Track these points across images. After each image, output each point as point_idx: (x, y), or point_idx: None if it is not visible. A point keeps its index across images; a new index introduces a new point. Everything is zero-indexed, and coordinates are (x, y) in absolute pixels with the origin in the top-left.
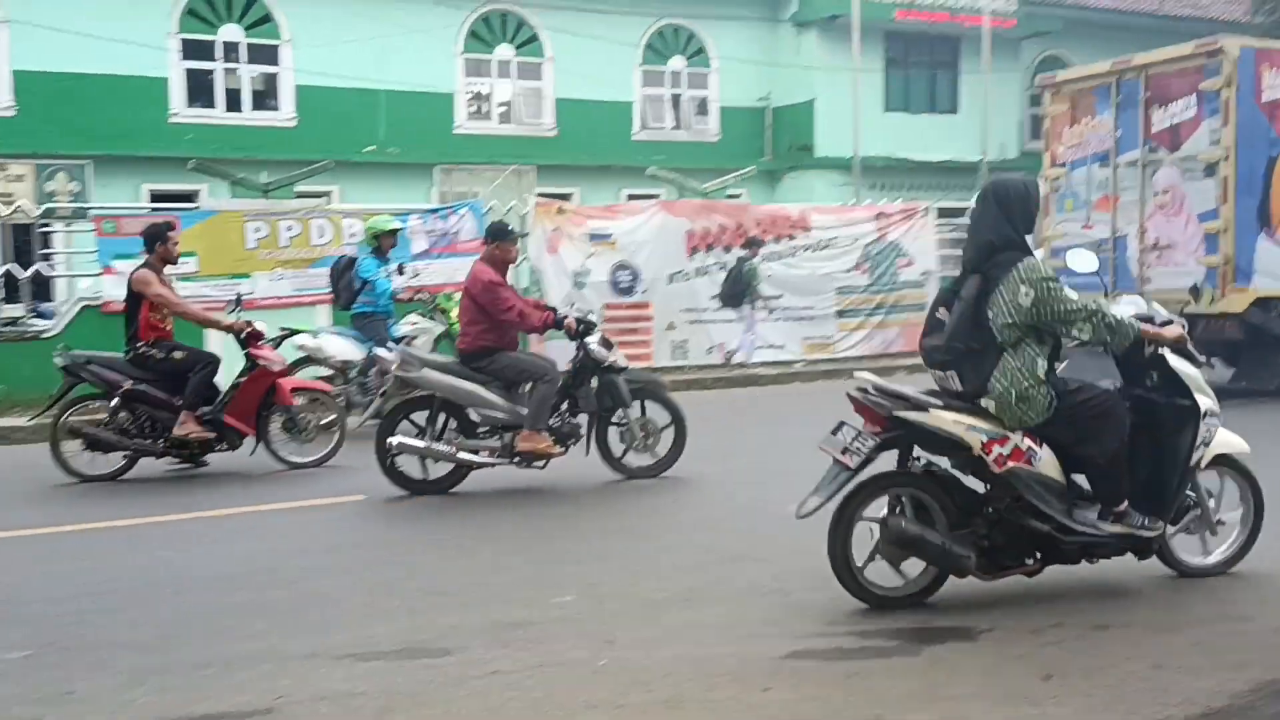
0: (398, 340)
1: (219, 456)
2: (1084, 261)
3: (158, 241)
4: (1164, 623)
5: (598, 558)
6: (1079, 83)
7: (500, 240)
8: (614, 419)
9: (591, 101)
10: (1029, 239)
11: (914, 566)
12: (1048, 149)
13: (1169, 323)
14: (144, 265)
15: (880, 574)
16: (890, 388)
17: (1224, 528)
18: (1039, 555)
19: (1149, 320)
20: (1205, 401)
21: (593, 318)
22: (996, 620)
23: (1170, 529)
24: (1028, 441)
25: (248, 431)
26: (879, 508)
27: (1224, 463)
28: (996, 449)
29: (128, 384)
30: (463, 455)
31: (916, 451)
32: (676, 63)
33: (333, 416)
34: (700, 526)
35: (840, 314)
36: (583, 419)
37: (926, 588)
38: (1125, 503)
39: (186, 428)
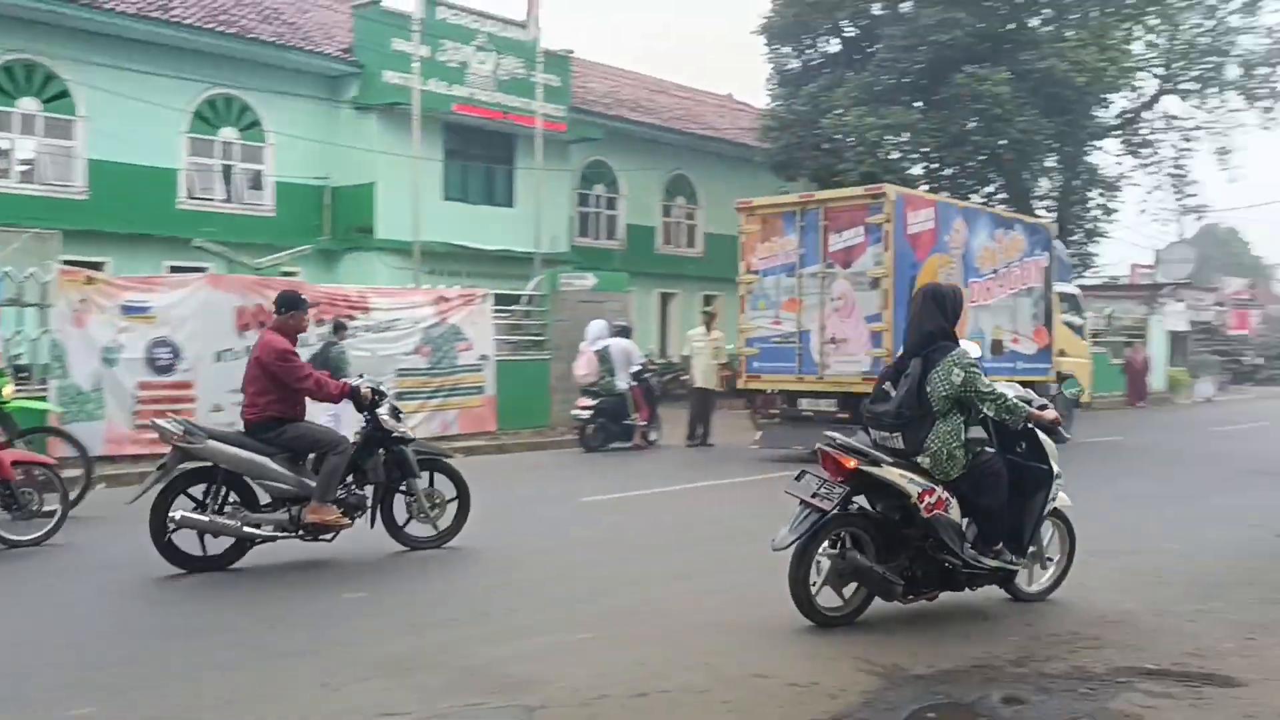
0: None
1: None
2: (973, 349)
3: None
4: (698, 685)
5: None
6: (770, 209)
7: (293, 310)
8: (401, 489)
9: (129, 165)
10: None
11: (847, 591)
12: (743, 259)
13: (1045, 407)
14: None
15: (825, 599)
16: (851, 444)
17: (1050, 563)
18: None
19: (1029, 402)
20: (1057, 468)
21: (385, 388)
22: (550, 696)
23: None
24: (946, 493)
25: None
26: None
27: (1054, 514)
28: (927, 499)
29: None
30: (248, 530)
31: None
32: (228, 133)
33: (56, 494)
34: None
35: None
36: (368, 490)
37: (858, 609)
38: (1000, 543)
39: None
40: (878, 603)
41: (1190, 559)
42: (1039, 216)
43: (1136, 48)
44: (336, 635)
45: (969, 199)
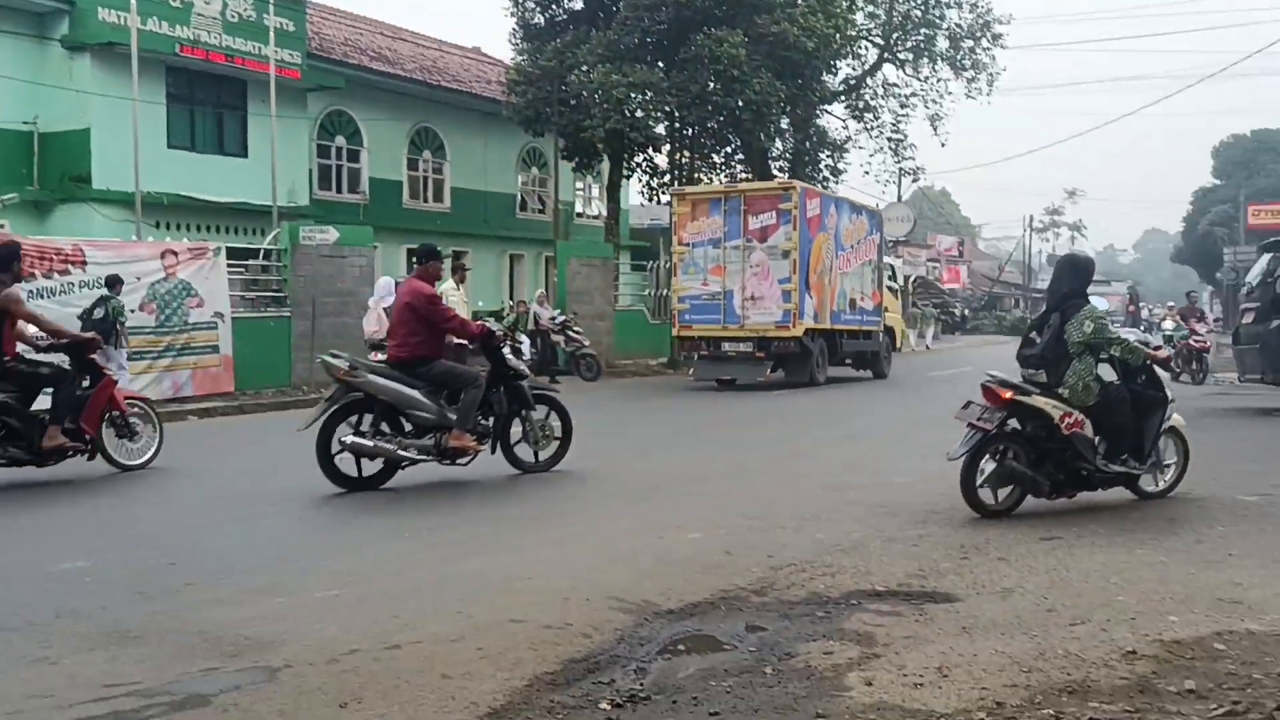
0: None
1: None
2: (1102, 304)
3: (14, 261)
4: (450, 634)
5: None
6: (698, 195)
7: (431, 259)
8: (519, 418)
9: None
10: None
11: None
12: (675, 234)
13: (1159, 348)
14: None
15: (986, 496)
16: (1007, 380)
17: (1167, 469)
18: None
19: (1147, 344)
20: (1171, 395)
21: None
22: (294, 655)
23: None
24: (1082, 416)
25: (94, 436)
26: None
27: (1171, 431)
28: (1067, 420)
29: None
30: (401, 453)
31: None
32: None
33: (153, 423)
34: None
35: (127, 357)
36: (490, 421)
37: (1012, 506)
38: (1125, 455)
39: (56, 440)
40: (624, 547)
41: (913, 490)
42: (777, 176)
43: (859, 18)
44: (56, 606)
45: (711, 158)
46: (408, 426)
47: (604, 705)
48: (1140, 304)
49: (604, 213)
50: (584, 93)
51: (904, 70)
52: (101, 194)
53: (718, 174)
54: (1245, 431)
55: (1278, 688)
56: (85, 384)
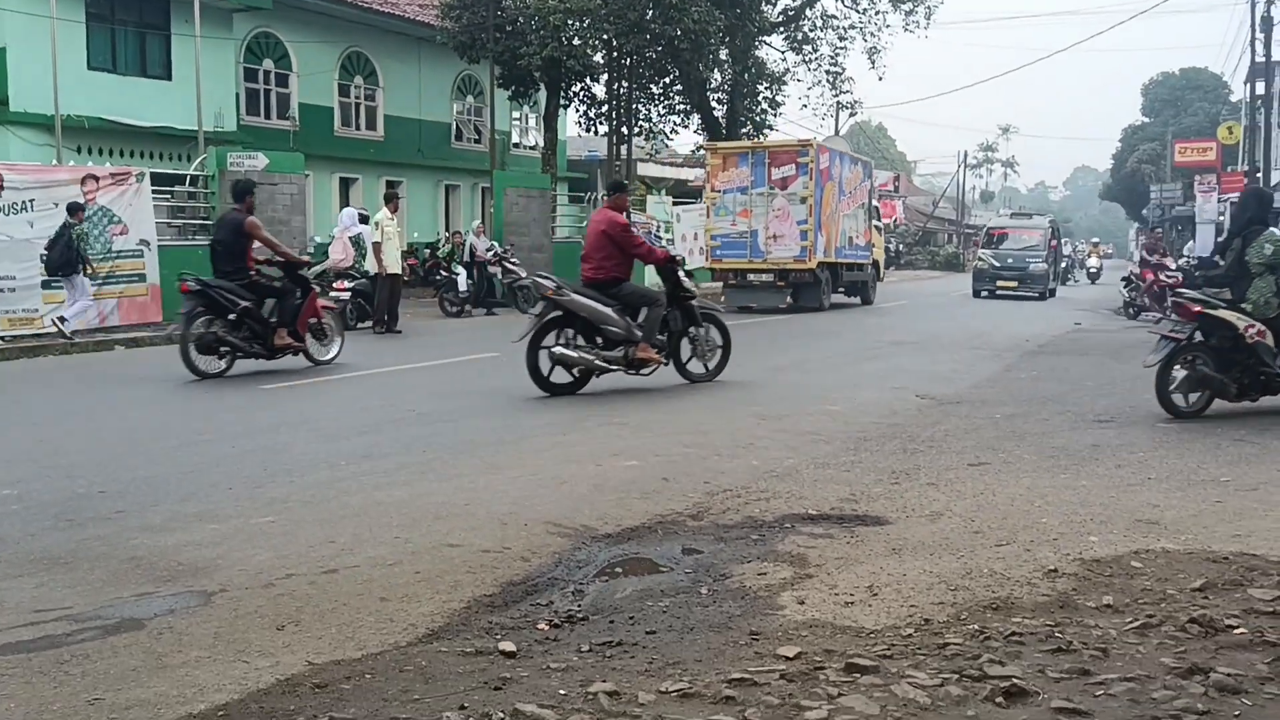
0: None
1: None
2: None
3: (249, 194)
4: (388, 558)
5: None
6: (729, 150)
7: (620, 192)
8: (688, 334)
9: None
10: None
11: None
12: (708, 183)
13: None
14: (242, 212)
15: (1178, 400)
16: (1197, 295)
17: None
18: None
19: None
20: None
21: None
22: (229, 579)
23: None
24: (1262, 326)
25: (303, 337)
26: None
27: None
28: (1250, 330)
29: (243, 304)
30: (599, 363)
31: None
32: None
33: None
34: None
35: (46, 285)
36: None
37: (1200, 409)
38: None
39: (284, 340)
40: (562, 474)
41: (846, 418)
42: (715, 109)
43: None
44: None
45: (649, 89)
46: (599, 341)
47: (542, 625)
48: (1062, 239)
49: (541, 143)
50: (520, 19)
51: (842, 2)
52: (19, 116)
53: (656, 105)
54: None
55: (1189, 602)
56: (298, 296)
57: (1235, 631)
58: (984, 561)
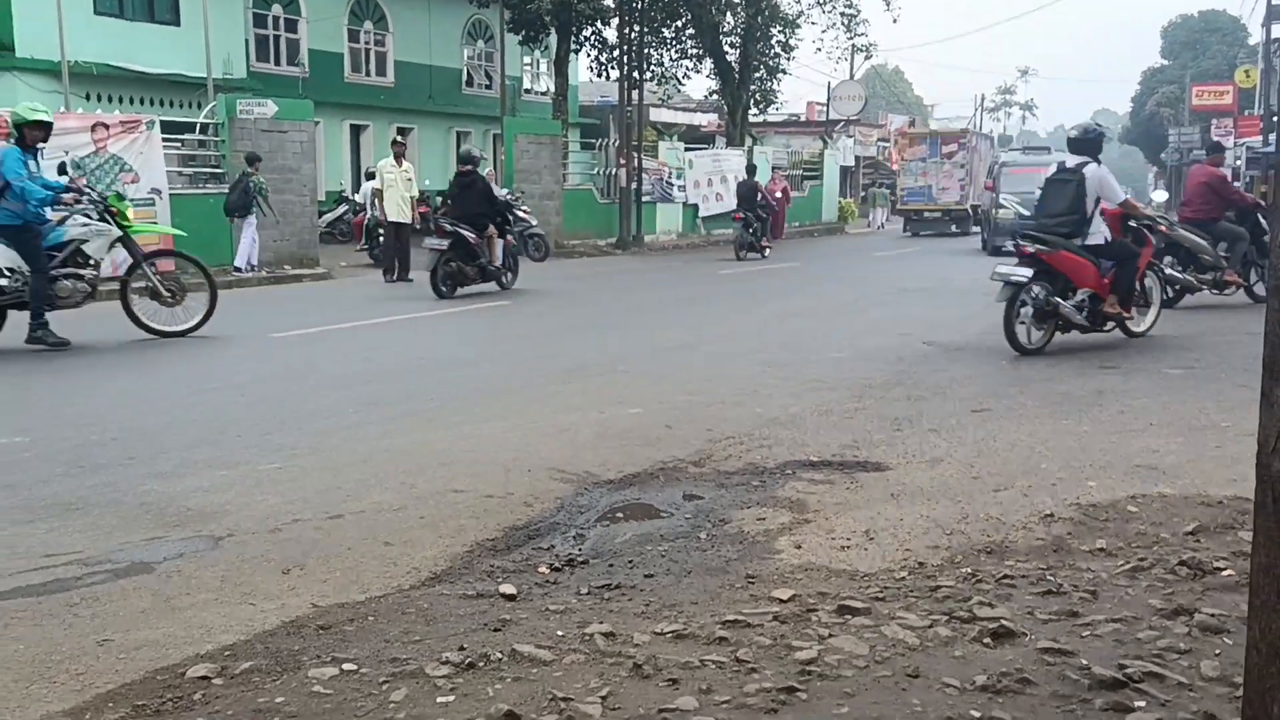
0: (62, 245)
1: None
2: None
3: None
4: (393, 503)
5: None
6: (914, 134)
7: (1217, 154)
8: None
9: None
10: None
11: None
12: (900, 154)
13: None
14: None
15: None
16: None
17: None
18: None
19: None
20: None
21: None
22: (236, 524)
23: None
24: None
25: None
26: None
27: None
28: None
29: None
30: (1195, 283)
31: None
32: None
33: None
34: None
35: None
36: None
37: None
38: None
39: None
40: (566, 421)
41: (851, 365)
42: (728, 53)
43: None
44: None
45: (661, 33)
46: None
47: (542, 569)
48: None
49: (552, 89)
50: None
51: None
52: (26, 63)
53: (668, 49)
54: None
55: (1181, 545)
56: None
57: (1223, 573)
58: (981, 507)
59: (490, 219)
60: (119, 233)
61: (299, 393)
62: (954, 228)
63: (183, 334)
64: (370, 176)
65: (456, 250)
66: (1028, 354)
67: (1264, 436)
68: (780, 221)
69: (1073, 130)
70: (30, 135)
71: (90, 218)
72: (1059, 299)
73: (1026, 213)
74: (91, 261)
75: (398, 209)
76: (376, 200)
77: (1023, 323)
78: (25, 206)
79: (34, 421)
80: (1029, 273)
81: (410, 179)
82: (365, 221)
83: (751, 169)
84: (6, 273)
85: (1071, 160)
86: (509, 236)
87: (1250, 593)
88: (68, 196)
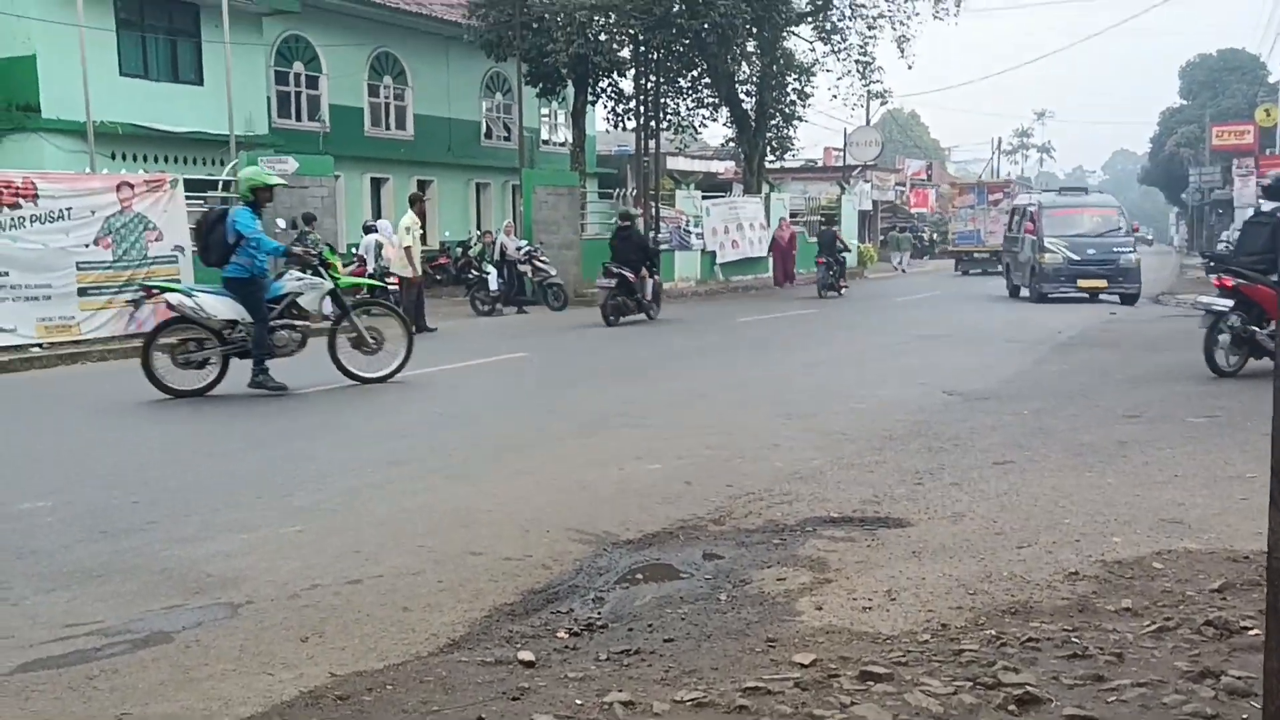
0: (280, 298)
1: None
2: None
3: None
4: (411, 567)
5: None
6: (963, 184)
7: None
8: None
9: None
10: None
11: None
12: (951, 201)
13: None
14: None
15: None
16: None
17: None
18: None
19: None
20: None
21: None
22: (255, 590)
23: None
24: None
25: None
26: None
27: None
28: None
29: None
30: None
31: None
32: None
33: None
34: None
35: (83, 292)
36: None
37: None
38: None
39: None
40: (585, 479)
41: (871, 416)
42: (744, 101)
43: None
44: (16, 547)
45: (677, 83)
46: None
47: (561, 634)
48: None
49: (570, 140)
50: (546, 15)
51: None
52: (52, 124)
53: (684, 98)
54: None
55: (1208, 603)
56: None
57: (1250, 633)
58: (1004, 564)
59: (642, 263)
60: (330, 285)
61: (319, 451)
62: (999, 266)
63: (382, 380)
64: (369, 230)
65: (620, 288)
66: (1224, 376)
67: (1274, 540)
68: (790, 268)
69: (1265, 179)
70: (261, 196)
71: (304, 273)
72: (1254, 327)
73: (1077, 257)
74: (305, 314)
75: (418, 265)
76: (407, 256)
77: (1221, 348)
78: (254, 262)
79: (58, 483)
80: (1229, 303)
81: (408, 229)
82: (370, 274)
83: (830, 219)
84: (233, 324)
85: (1267, 205)
86: (657, 276)
87: (1265, 697)
88: (298, 249)
